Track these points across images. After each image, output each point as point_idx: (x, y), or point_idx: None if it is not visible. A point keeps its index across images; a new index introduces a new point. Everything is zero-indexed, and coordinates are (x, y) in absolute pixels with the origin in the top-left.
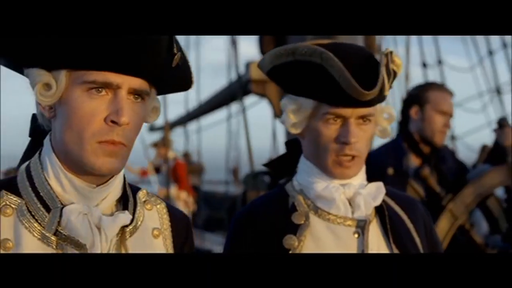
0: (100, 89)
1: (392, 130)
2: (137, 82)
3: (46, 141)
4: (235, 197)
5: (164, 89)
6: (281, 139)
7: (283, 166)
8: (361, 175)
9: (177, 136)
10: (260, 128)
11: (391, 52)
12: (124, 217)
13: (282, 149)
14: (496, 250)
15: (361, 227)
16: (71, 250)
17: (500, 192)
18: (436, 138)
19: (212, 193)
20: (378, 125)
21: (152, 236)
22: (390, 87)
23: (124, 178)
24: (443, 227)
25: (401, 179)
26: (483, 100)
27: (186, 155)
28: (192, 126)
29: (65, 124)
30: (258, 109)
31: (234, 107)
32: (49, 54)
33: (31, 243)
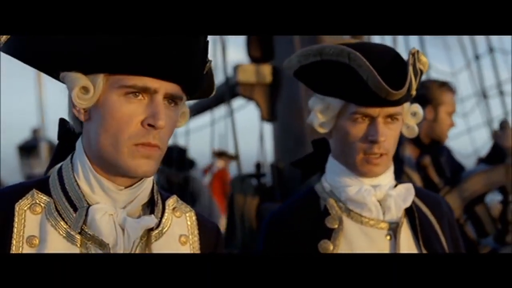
0: (137, 93)
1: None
2: (173, 87)
3: (78, 143)
4: None
5: (193, 95)
6: (269, 142)
7: (311, 165)
8: (390, 175)
9: None
10: (247, 131)
11: (417, 51)
12: (149, 220)
13: (269, 153)
14: (487, 249)
15: (393, 229)
16: (94, 249)
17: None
18: (444, 137)
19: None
20: (405, 124)
21: (179, 242)
22: (417, 86)
23: (153, 183)
24: None
25: (396, 165)
26: (469, 104)
27: None
28: (179, 128)
29: (101, 126)
30: (244, 112)
31: (221, 110)
32: (89, 58)
33: (56, 241)
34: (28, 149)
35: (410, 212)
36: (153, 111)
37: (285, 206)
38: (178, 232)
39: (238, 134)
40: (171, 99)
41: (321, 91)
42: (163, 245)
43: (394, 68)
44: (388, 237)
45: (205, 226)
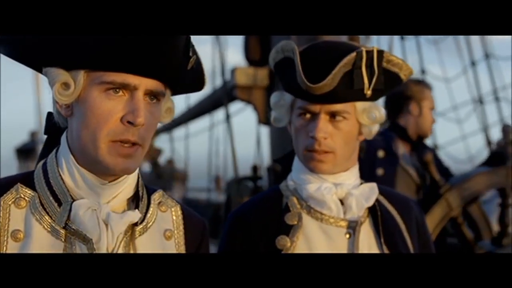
0: (117, 90)
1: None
2: (153, 84)
3: (63, 138)
4: (218, 205)
5: (179, 90)
6: (265, 146)
7: (289, 163)
8: (354, 175)
9: (162, 143)
10: (244, 135)
11: (380, 51)
12: (133, 215)
13: (266, 156)
14: (483, 251)
15: (353, 227)
16: (78, 244)
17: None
18: (429, 131)
19: (195, 200)
20: (363, 125)
21: (164, 237)
22: (383, 87)
23: (139, 177)
24: (437, 215)
25: (391, 160)
26: (466, 110)
27: (170, 162)
28: (177, 133)
29: (82, 122)
30: (242, 116)
31: (219, 114)
32: (69, 54)
33: (41, 235)
34: (26, 152)
35: (374, 211)
36: (133, 107)
37: (248, 204)
38: (163, 227)
39: (236, 137)
40: (153, 95)
41: (282, 87)
42: (147, 240)
43: (326, 64)
44: (348, 235)
45: (190, 221)
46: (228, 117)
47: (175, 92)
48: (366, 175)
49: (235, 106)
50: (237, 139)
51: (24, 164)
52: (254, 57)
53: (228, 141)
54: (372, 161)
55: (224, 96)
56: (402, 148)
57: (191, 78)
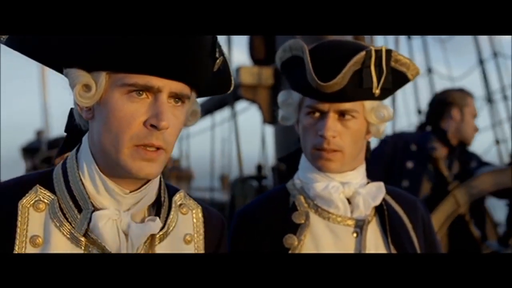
0: (140, 92)
1: (385, 130)
2: (178, 86)
3: (84, 140)
4: (223, 204)
5: (204, 92)
6: (270, 145)
7: (296, 161)
8: (361, 174)
9: None
10: (248, 134)
11: (388, 50)
12: (154, 225)
13: (271, 155)
14: (489, 251)
15: (360, 226)
16: (97, 253)
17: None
18: (470, 138)
19: (200, 200)
20: (372, 124)
21: (184, 241)
22: (391, 86)
23: (161, 181)
24: (445, 211)
25: (423, 154)
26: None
27: (175, 162)
28: (181, 132)
29: (103, 126)
30: (247, 115)
31: (224, 113)
32: (90, 55)
33: (60, 242)
34: (31, 151)
35: (381, 210)
36: (156, 111)
37: (254, 202)
38: (183, 231)
39: (240, 136)
40: (177, 98)
41: (290, 86)
42: (167, 246)
43: (336, 63)
44: (355, 234)
45: (210, 222)
46: (234, 116)
47: (200, 94)
48: (395, 167)
49: (240, 105)
50: (241, 138)
51: (30, 163)
52: (259, 56)
53: (232, 140)
54: (404, 153)
55: (230, 95)
56: (440, 152)
57: (217, 80)
